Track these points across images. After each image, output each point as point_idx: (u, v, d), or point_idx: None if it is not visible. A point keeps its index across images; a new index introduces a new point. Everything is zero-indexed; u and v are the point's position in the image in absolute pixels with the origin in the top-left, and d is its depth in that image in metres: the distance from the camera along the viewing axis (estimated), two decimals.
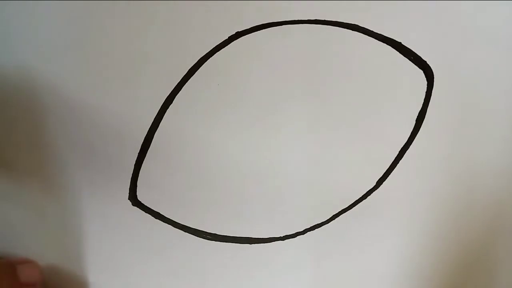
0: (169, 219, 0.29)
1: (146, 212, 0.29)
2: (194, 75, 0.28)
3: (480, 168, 0.30)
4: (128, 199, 0.28)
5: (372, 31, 0.29)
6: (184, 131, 0.28)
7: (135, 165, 0.28)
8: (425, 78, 0.30)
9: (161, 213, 0.29)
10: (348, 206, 0.30)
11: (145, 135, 0.28)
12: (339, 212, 0.30)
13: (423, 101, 0.30)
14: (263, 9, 0.28)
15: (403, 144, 0.30)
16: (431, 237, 0.30)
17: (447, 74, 0.30)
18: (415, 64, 0.29)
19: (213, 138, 0.29)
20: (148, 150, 0.28)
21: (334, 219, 0.30)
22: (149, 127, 0.28)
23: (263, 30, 0.28)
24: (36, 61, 0.27)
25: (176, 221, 0.29)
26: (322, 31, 0.28)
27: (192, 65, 0.28)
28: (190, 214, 0.29)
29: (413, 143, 0.30)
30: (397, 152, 0.30)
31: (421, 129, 0.30)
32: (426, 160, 0.30)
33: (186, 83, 0.28)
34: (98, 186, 0.28)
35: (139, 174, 0.28)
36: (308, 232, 0.29)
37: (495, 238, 0.30)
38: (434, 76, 0.29)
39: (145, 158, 0.28)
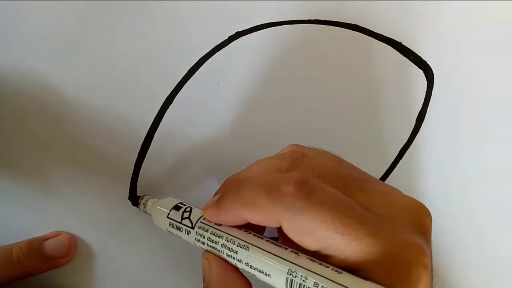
0: None
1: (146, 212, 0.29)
2: (194, 75, 0.28)
3: (480, 167, 0.30)
4: (128, 199, 0.28)
5: (372, 31, 0.29)
6: (184, 131, 0.28)
7: (135, 165, 0.28)
8: (425, 78, 0.30)
9: None
10: None
11: (145, 135, 0.28)
12: None
13: (423, 101, 0.30)
14: (263, 9, 0.28)
15: (403, 144, 0.30)
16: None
17: (447, 74, 0.30)
18: (415, 64, 0.29)
19: (214, 138, 0.29)
20: (148, 150, 0.28)
21: None
22: (149, 127, 0.28)
23: (263, 30, 0.28)
24: (36, 61, 0.27)
25: None
26: (322, 31, 0.28)
27: (192, 65, 0.28)
28: None
29: (413, 143, 0.30)
30: (397, 152, 0.29)
31: (421, 129, 0.30)
32: (426, 160, 0.30)
33: (186, 83, 0.28)
34: (98, 186, 0.28)
35: (139, 174, 0.28)
36: None
37: (495, 237, 0.30)
38: (434, 76, 0.29)
39: (145, 158, 0.28)
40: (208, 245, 0.22)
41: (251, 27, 0.28)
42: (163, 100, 0.28)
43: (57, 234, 0.28)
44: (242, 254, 0.21)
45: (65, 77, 0.27)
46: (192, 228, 0.23)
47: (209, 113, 0.28)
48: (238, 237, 0.21)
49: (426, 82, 0.30)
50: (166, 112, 0.28)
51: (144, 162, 0.28)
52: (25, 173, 0.28)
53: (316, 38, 0.28)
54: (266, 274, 0.20)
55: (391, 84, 0.29)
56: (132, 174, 0.28)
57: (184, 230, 0.23)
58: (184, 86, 0.28)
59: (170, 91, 0.28)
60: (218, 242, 0.22)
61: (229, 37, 0.28)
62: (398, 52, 0.29)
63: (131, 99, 0.28)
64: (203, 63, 0.28)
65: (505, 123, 0.30)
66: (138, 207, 0.27)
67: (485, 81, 0.30)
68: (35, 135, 0.28)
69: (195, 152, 0.29)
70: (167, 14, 0.27)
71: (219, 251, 0.22)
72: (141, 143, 0.28)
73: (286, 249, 0.20)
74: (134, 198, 0.28)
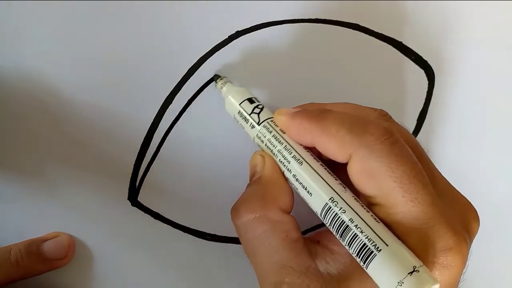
0: (168, 219, 0.29)
1: (145, 212, 0.28)
2: (194, 75, 0.28)
3: (481, 167, 0.30)
4: (128, 199, 0.28)
5: (373, 30, 0.29)
6: (184, 131, 0.28)
7: (134, 165, 0.28)
8: (426, 78, 0.29)
9: (160, 213, 0.29)
10: None
11: (145, 135, 0.28)
12: None
13: (424, 100, 0.30)
14: (263, 9, 0.28)
15: None
16: None
17: (448, 73, 0.29)
18: (416, 64, 0.29)
19: (214, 138, 0.28)
20: (148, 151, 0.28)
21: None
22: (149, 127, 0.28)
23: (263, 29, 0.28)
24: (36, 61, 0.27)
25: (176, 221, 0.29)
26: (322, 30, 0.28)
27: (192, 64, 0.28)
28: (190, 214, 0.29)
29: None
30: None
31: (422, 128, 0.30)
32: None
33: (186, 83, 0.28)
34: (97, 186, 0.28)
35: (139, 175, 0.28)
36: (308, 233, 0.29)
37: (496, 239, 0.30)
38: (435, 76, 0.29)
39: (145, 158, 0.28)
40: (266, 145, 0.24)
41: (251, 27, 0.28)
42: (163, 100, 0.28)
43: (56, 235, 0.28)
44: (293, 166, 0.22)
45: (64, 77, 0.27)
46: (258, 124, 0.24)
47: (209, 113, 0.28)
48: (296, 149, 0.22)
49: (427, 82, 0.29)
50: (166, 112, 0.28)
51: (143, 162, 0.28)
52: (24, 174, 0.28)
53: (316, 37, 0.28)
54: (308, 192, 0.21)
55: (391, 84, 0.29)
56: (132, 174, 0.28)
57: (249, 123, 0.25)
58: (184, 86, 0.28)
59: (170, 91, 0.28)
60: (276, 146, 0.23)
61: (229, 37, 0.28)
62: (398, 52, 0.29)
63: (131, 99, 0.28)
64: (203, 63, 0.28)
65: (506, 123, 0.30)
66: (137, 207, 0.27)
67: (486, 80, 0.30)
68: (35, 135, 0.28)
69: (195, 152, 0.28)
70: (167, 14, 0.27)
71: (274, 154, 0.23)
72: (141, 143, 0.28)
73: (336, 179, 0.21)
74: (134, 198, 0.28)
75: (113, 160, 0.28)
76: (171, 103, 0.28)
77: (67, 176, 0.28)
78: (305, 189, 0.21)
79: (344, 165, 0.21)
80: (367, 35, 0.29)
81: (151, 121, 0.28)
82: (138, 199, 0.28)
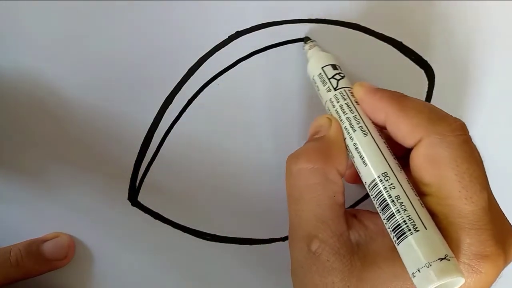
0: (168, 219, 0.29)
1: (145, 212, 0.28)
2: (194, 75, 0.28)
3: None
4: (128, 199, 0.28)
5: (373, 30, 0.29)
6: (184, 131, 0.28)
7: (134, 165, 0.28)
8: (426, 78, 0.29)
9: (160, 213, 0.29)
10: (349, 207, 0.30)
11: (145, 135, 0.28)
12: None
13: (424, 100, 0.30)
14: (263, 9, 0.28)
15: None
16: None
17: (448, 74, 0.29)
18: (416, 64, 0.29)
19: (214, 138, 0.28)
20: (148, 151, 0.28)
21: None
22: (149, 127, 0.28)
23: (263, 29, 0.28)
24: (36, 61, 0.27)
25: (176, 221, 0.29)
26: (322, 30, 0.28)
27: (192, 64, 0.28)
28: (190, 214, 0.29)
29: None
30: None
31: None
32: None
33: (186, 83, 0.28)
34: (97, 186, 0.28)
35: (139, 174, 0.28)
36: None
37: None
38: (435, 76, 0.29)
39: (145, 158, 0.28)
40: (336, 110, 0.24)
41: (251, 27, 0.28)
42: (163, 100, 0.28)
43: (56, 235, 0.28)
44: (357, 135, 0.23)
45: (64, 77, 0.27)
46: (335, 89, 0.25)
47: (208, 113, 0.28)
48: (365, 121, 0.23)
49: (427, 82, 0.29)
50: (166, 112, 0.28)
51: (143, 162, 0.28)
52: (24, 174, 0.28)
53: (316, 37, 0.28)
54: (363, 162, 0.22)
55: (391, 84, 0.29)
56: (132, 174, 0.28)
57: (326, 86, 0.25)
58: (184, 86, 0.28)
59: (170, 91, 0.28)
60: (346, 113, 0.24)
61: (229, 37, 0.28)
62: (398, 52, 0.29)
63: (131, 99, 0.28)
64: (203, 63, 0.28)
65: (507, 123, 0.30)
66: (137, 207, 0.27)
67: (486, 81, 0.30)
68: (35, 135, 0.28)
69: (195, 152, 0.28)
70: (167, 14, 0.27)
71: (341, 120, 0.24)
72: (141, 143, 0.28)
73: (395, 159, 0.22)
74: (134, 198, 0.28)
75: (113, 160, 0.28)
76: (171, 103, 0.28)
77: (67, 176, 0.28)
78: (362, 158, 0.22)
79: (404, 156, 0.22)
80: (367, 35, 0.29)
81: (151, 121, 0.28)
82: (138, 199, 0.28)
